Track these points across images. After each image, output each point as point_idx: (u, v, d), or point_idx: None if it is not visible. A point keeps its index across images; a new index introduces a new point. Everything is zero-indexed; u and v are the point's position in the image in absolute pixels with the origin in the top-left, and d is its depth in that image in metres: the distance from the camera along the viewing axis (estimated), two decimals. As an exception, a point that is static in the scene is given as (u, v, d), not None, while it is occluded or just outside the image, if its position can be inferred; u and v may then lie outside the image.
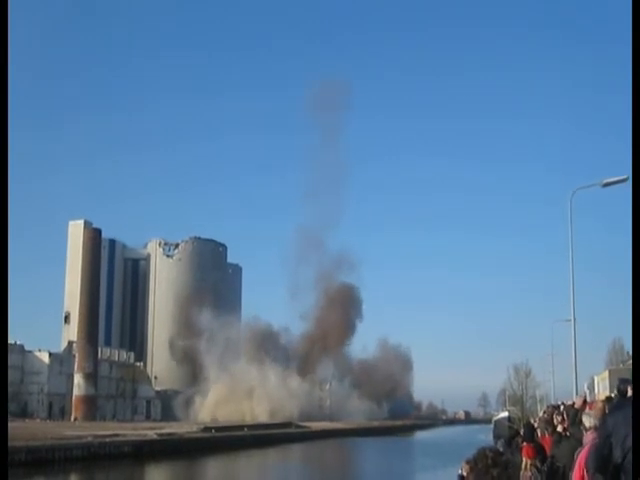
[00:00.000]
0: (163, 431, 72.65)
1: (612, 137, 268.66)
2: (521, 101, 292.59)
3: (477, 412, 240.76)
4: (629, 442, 3.71)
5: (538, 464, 10.03)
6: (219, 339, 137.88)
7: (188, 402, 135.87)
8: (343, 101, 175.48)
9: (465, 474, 4.51)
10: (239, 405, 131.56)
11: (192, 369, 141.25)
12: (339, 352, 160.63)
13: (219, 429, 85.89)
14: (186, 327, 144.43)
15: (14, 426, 55.24)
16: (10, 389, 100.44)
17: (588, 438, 7.71)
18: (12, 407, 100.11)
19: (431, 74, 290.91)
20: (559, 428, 13.81)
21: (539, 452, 10.38)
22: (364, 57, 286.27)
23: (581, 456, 6.33)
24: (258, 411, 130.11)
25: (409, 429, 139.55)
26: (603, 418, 4.42)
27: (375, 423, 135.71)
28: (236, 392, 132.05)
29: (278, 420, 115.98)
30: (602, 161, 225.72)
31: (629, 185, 24.88)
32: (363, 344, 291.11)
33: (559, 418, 15.22)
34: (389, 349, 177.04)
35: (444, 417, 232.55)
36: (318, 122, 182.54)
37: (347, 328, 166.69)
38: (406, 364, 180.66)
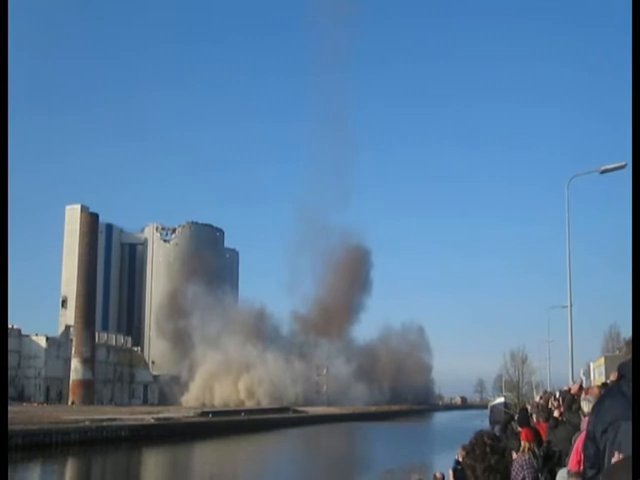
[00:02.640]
0: (160, 415, 72.92)
1: (611, 124, 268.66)
2: (520, 88, 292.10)
3: (473, 398, 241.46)
4: (610, 433, 3.69)
5: (535, 449, 10.02)
6: (214, 318, 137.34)
7: (176, 381, 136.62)
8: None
9: (462, 459, 4.48)
10: (233, 386, 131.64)
11: (183, 348, 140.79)
12: (341, 334, 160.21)
13: (216, 413, 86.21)
14: (176, 304, 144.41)
15: (11, 410, 55.34)
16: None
17: (586, 423, 7.71)
18: (9, 391, 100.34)
19: (434, 63, 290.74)
20: (555, 413, 13.84)
21: (536, 436, 10.38)
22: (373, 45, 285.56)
23: (579, 441, 6.32)
24: (249, 393, 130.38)
25: (406, 414, 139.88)
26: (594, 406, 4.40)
27: (372, 408, 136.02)
28: (230, 372, 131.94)
29: (276, 403, 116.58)
30: (600, 147, 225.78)
31: (627, 171, 24.88)
32: (364, 330, 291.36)
33: (555, 404, 15.26)
34: (392, 333, 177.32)
35: (440, 402, 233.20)
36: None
37: (357, 296, 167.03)
38: (416, 347, 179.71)
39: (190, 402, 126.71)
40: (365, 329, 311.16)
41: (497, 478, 3.69)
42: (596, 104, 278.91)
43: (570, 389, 16.87)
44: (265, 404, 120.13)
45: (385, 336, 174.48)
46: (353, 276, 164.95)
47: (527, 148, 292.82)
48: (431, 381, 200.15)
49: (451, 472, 4.13)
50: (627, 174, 24.00)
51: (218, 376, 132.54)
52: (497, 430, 23.48)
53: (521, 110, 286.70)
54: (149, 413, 75.95)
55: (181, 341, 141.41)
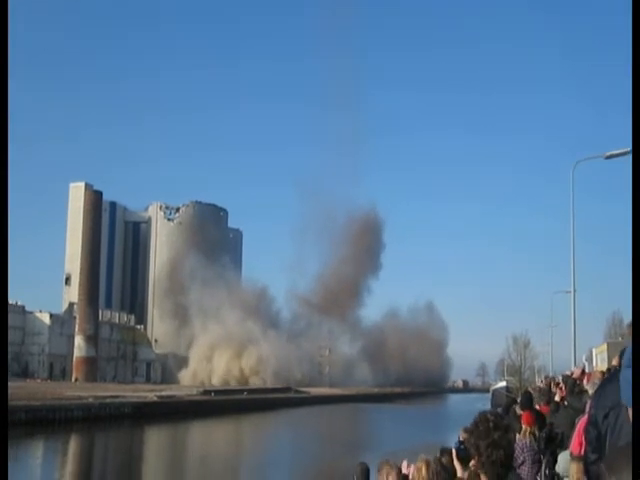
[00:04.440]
0: (163, 393, 73.27)
1: (616, 109, 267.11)
2: (526, 74, 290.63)
3: (475, 381, 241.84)
4: (611, 417, 3.67)
5: (536, 432, 10.01)
6: (214, 292, 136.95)
7: (177, 357, 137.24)
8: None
9: (463, 439, 4.46)
10: (233, 360, 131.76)
11: (184, 323, 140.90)
12: (346, 315, 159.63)
13: (218, 392, 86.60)
14: (176, 277, 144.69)
15: (15, 386, 55.65)
16: (11, 349, 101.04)
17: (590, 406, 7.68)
18: (13, 367, 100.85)
19: (442, 49, 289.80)
20: (556, 397, 13.84)
21: (538, 419, 10.36)
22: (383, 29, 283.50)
23: (581, 423, 6.31)
24: (252, 371, 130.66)
25: (407, 396, 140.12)
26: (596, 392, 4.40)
27: (374, 390, 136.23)
28: (230, 345, 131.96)
29: (281, 382, 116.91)
30: (606, 133, 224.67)
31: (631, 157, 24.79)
32: (369, 313, 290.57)
33: (558, 386, 15.25)
34: (400, 312, 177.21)
35: (444, 385, 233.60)
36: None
37: (364, 277, 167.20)
38: (428, 325, 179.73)
39: (188, 377, 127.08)
40: (371, 312, 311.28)
41: (500, 454, 3.67)
42: (602, 91, 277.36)
43: (572, 373, 16.88)
44: (270, 383, 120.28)
45: (393, 316, 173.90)
46: (360, 257, 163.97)
47: (533, 134, 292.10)
48: (446, 359, 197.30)
49: (454, 451, 4.11)
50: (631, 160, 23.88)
51: (218, 348, 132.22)
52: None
53: (527, 96, 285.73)
54: (152, 391, 76.34)
55: (182, 317, 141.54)
